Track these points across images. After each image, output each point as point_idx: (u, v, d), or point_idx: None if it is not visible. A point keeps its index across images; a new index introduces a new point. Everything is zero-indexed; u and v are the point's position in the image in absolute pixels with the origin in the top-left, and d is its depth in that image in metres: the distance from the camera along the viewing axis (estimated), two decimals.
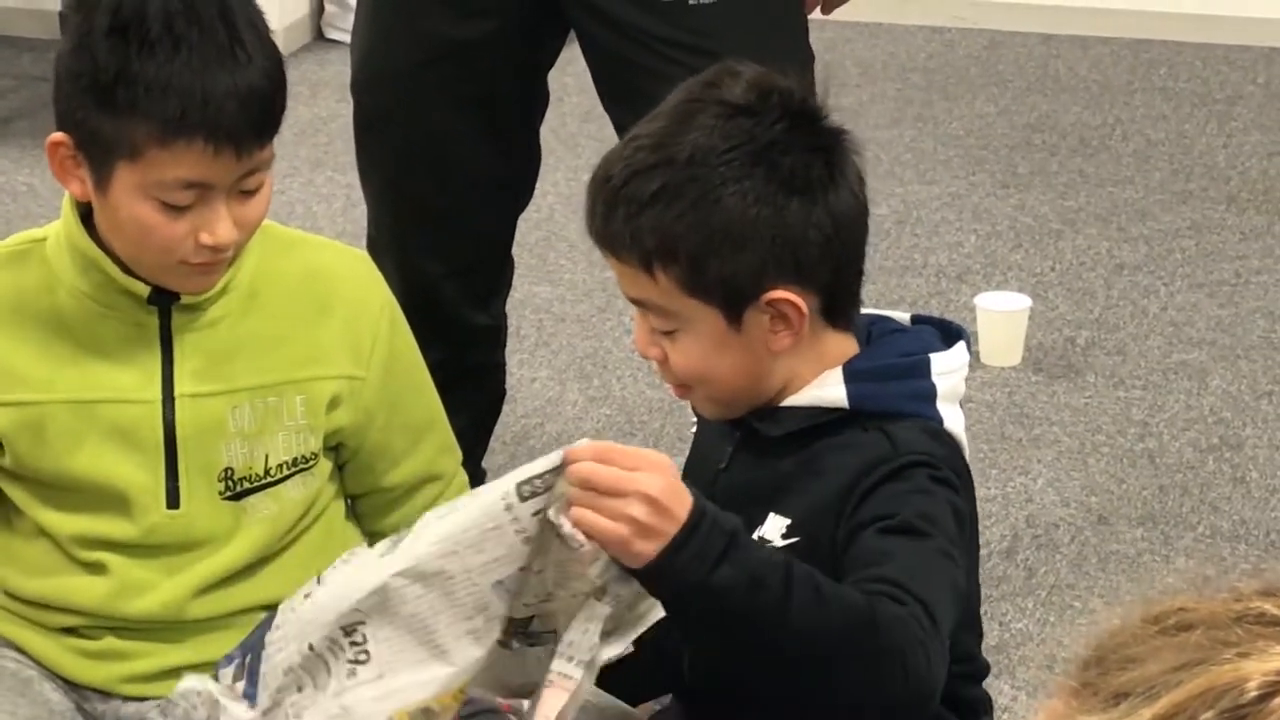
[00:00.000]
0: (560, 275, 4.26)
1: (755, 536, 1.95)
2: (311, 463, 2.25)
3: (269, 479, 2.28)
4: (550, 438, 3.55)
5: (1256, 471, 3.52)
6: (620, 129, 2.84)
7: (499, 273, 3.04)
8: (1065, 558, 3.25)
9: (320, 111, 5.09)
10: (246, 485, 2.27)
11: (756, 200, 1.96)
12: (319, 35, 5.67)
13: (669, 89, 2.75)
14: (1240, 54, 5.63)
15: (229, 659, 2.24)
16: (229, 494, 2.26)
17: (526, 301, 4.09)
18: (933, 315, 2.16)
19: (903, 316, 2.12)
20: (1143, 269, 4.34)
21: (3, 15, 5.64)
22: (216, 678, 2.23)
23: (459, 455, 2.37)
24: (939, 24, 5.82)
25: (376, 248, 2.95)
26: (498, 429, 3.21)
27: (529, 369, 3.80)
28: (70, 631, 2.31)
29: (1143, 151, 4.98)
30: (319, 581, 1.97)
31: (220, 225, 2.15)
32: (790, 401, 2.02)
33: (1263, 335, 4.02)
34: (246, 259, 2.26)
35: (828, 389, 2.01)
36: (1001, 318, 3.79)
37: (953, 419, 2.03)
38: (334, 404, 2.23)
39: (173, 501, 2.26)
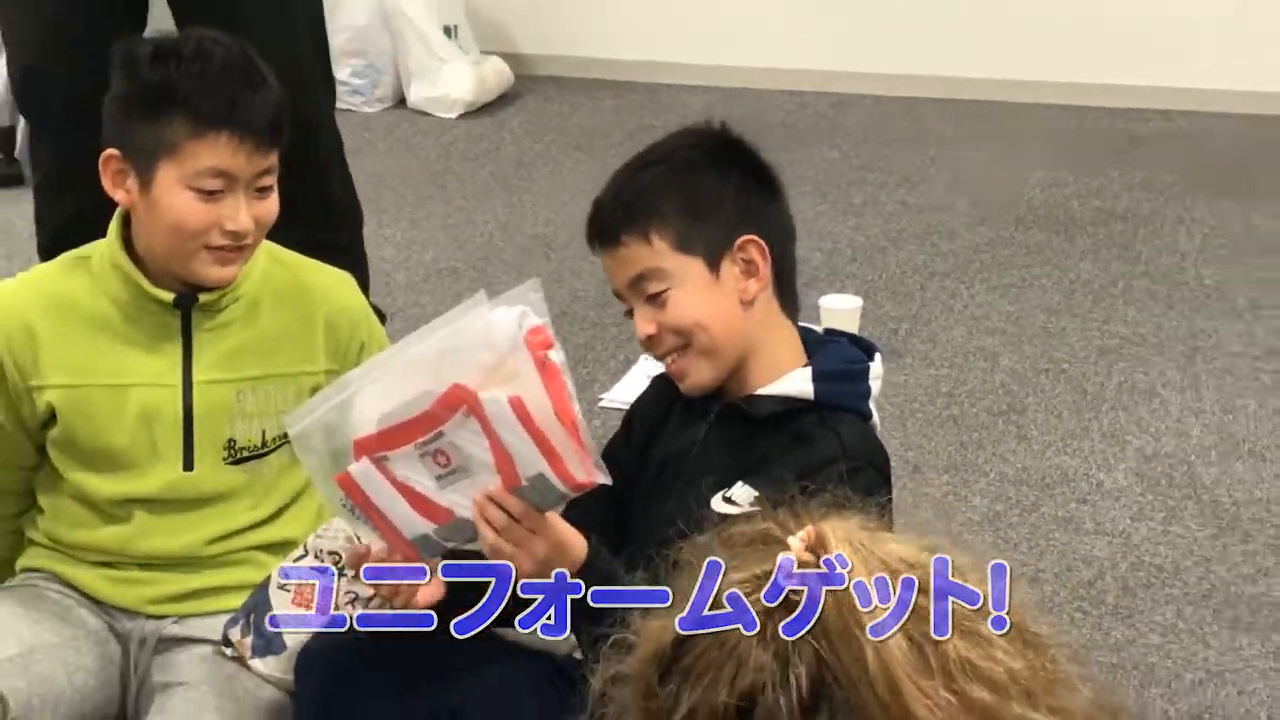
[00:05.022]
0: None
1: (722, 497, 2.06)
2: None
3: (265, 449, 2.35)
4: None
5: (1036, 430, 3.70)
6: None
7: None
8: None
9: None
10: (245, 454, 2.34)
11: (721, 177, 2.15)
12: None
13: None
14: (1029, 110, 5.80)
15: (234, 620, 2.30)
16: (231, 460, 2.34)
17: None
18: (846, 332, 2.29)
19: (818, 329, 2.27)
20: (950, 275, 4.48)
21: None
22: (227, 638, 2.30)
23: None
24: (793, 89, 6.04)
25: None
26: None
27: None
28: (103, 564, 2.38)
29: (952, 185, 5.15)
30: None
31: (240, 214, 2.22)
32: (766, 391, 2.14)
33: (1042, 326, 4.19)
34: (253, 273, 2.32)
35: (798, 384, 2.13)
36: (840, 314, 3.84)
37: (875, 415, 2.19)
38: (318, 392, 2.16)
39: (188, 464, 2.32)
